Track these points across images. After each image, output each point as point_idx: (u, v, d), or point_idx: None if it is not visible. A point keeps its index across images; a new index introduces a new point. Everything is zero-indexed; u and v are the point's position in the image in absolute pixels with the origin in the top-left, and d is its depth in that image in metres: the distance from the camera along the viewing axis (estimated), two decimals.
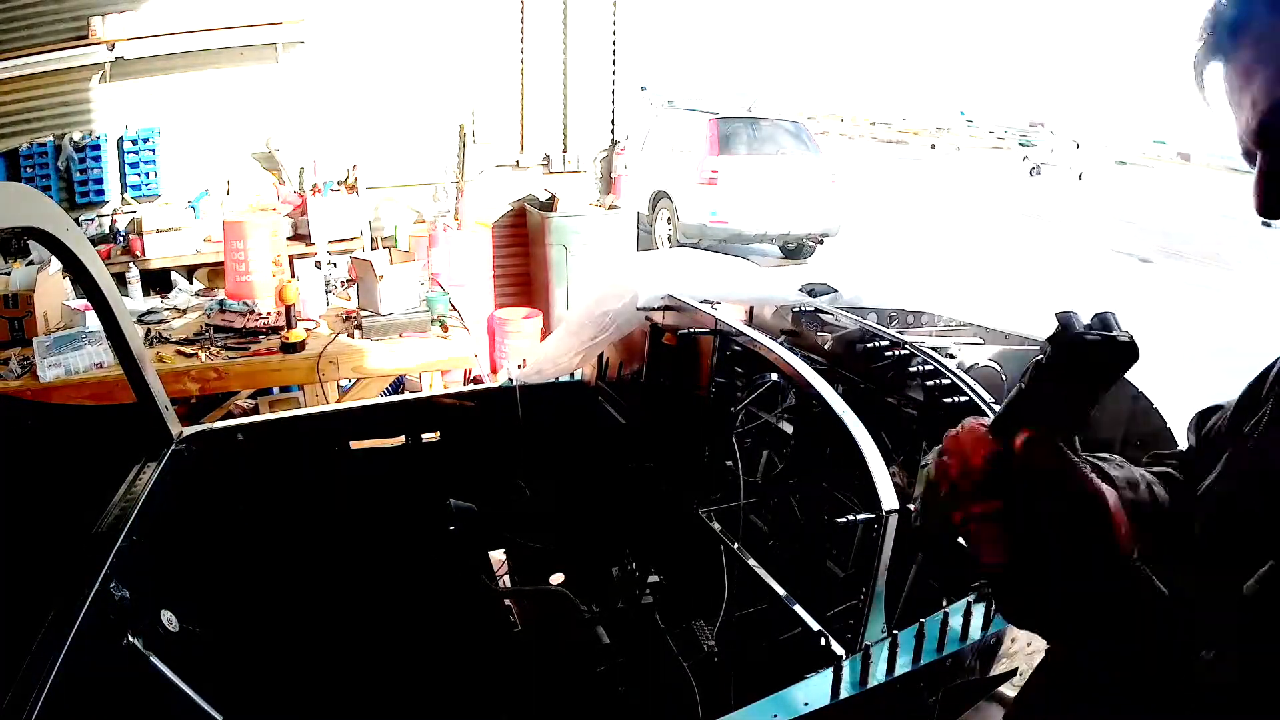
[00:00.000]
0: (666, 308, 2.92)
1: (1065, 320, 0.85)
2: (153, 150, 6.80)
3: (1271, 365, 1.13)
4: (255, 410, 5.26)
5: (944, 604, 1.91)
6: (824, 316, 2.92)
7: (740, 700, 1.67)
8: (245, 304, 4.96)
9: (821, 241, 13.09)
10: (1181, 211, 19.99)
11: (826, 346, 2.81)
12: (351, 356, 4.62)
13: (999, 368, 2.77)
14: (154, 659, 2.00)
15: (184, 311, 5.09)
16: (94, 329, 4.29)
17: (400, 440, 3.30)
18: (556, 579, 3.42)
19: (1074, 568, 0.95)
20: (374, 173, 6.98)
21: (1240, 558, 0.91)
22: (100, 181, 6.71)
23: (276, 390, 5.49)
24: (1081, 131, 30.26)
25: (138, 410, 2.52)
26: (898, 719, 1.84)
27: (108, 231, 6.61)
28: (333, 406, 3.80)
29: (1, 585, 1.92)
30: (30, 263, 5.17)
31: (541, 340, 5.37)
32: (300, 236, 6.63)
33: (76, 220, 6.34)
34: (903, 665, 1.77)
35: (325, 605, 2.90)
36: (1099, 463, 1.13)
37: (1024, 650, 1.97)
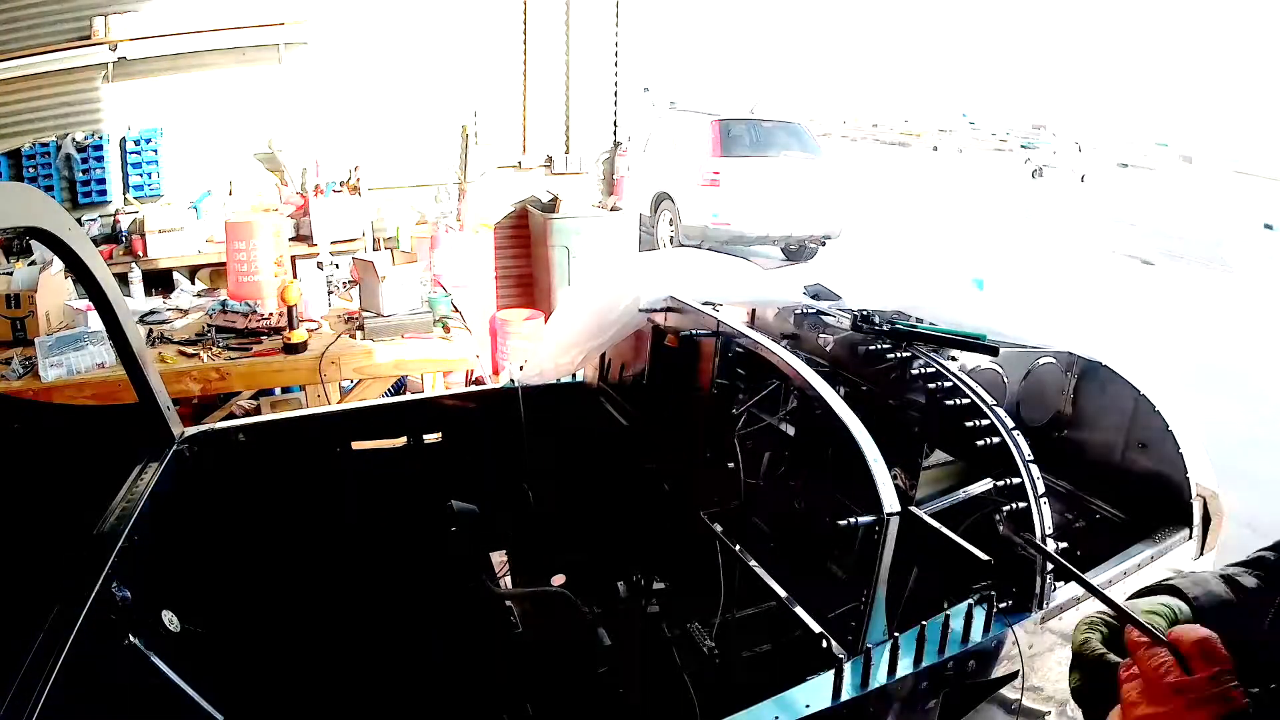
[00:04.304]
0: (669, 309, 2.92)
1: None
2: (155, 150, 6.83)
3: None
4: (257, 411, 5.26)
5: (945, 606, 1.91)
6: (826, 319, 2.92)
7: (742, 702, 1.67)
8: (247, 304, 4.96)
9: (824, 243, 13.09)
10: (1183, 214, 19.97)
11: (828, 349, 2.81)
12: (353, 357, 4.62)
13: (1001, 370, 2.76)
14: (155, 659, 2.00)
15: (186, 312, 5.09)
16: (96, 329, 4.29)
17: (402, 441, 3.30)
18: (558, 580, 3.42)
19: None
20: (376, 173, 7.00)
21: None
22: (103, 182, 6.73)
23: (278, 391, 5.49)
24: (1083, 134, 30.27)
25: (140, 410, 2.52)
26: None
27: (110, 231, 6.62)
28: (334, 407, 3.80)
29: (3, 585, 1.92)
30: (32, 263, 5.17)
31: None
32: (302, 237, 6.65)
33: (79, 220, 6.36)
34: (904, 668, 1.77)
35: (326, 605, 2.90)
36: None
37: (1026, 653, 1.97)
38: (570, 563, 3.45)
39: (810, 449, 2.41)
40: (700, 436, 2.73)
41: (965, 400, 2.35)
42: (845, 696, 1.71)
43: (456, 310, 5.09)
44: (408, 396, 4.40)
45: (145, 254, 6.34)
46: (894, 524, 1.85)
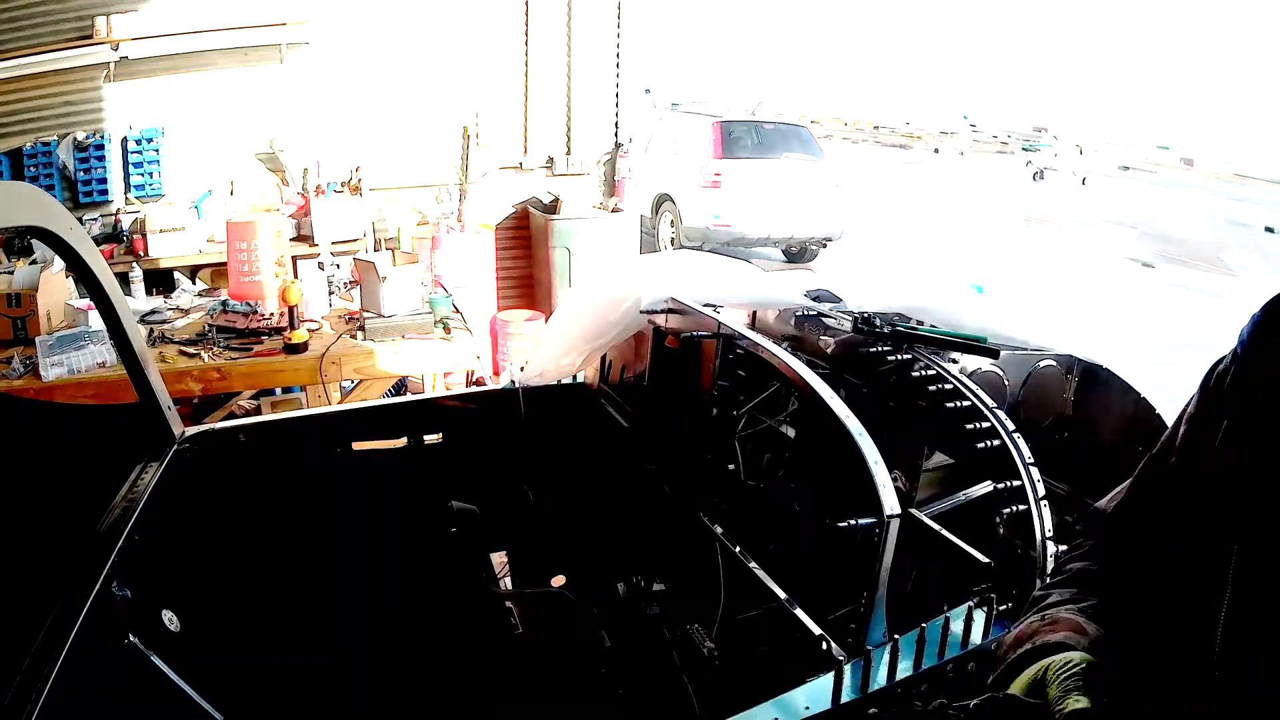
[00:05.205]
0: (669, 311, 2.92)
1: None
2: (156, 150, 6.83)
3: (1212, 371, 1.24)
4: (257, 411, 5.26)
5: (945, 609, 1.91)
6: (826, 320, 2.91)
7: (741, 704, 1.67)
8: (248, 304, 4.97)
9: (825, 245, 13.08)
10: (1184, 217, 19.97)
11: (829, 350, 2.81)
12: (354, 358, 4.63)
13: (1001, 372, 2.76)
14: (155, 658, 2.00)
15: (187, 311, 5.09)
16: (97, 328, 4.30)
17: (402, 442, 3.29)
18: (558, 581, 3.42)
19: None
20: (377, 174, 7.00)
21: None
22: (104, 181, 6.73)
23: (279, 391, 5.50)
24: (1085, 136, 30.26)
25: (140, 410, 2.52)
26: None
27: (111, 231, 6.63)
28: (335, 407, 3.80)
29: (3, 584, 1.92)
30: (34, 262, 5.18)
31: None
32: (303, 237, 6.66)
33: (80, 220, 6.35)
34: (904, 670, 1.77)
35: (327, 606, 2.90)
36: None
37: None
38: (570, 564, 3.45)
39: (810, 451, 2.41)
40: (701, 438, 2.73)
41: (966, 403, 2.35)
42: (845, 699, 1.71)
43: (457, 311, 5.09)
44: (408, 397, 4.40)
45: (146, 253, 6.34)
46: (894, 526, 1.85)
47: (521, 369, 3.50)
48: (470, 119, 7.35)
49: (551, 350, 3.33)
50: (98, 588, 1.89)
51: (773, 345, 2.51)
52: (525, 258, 7.94)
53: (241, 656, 2.57)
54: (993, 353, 2.53)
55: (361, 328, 4.76)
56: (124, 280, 5.30)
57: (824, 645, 1.90)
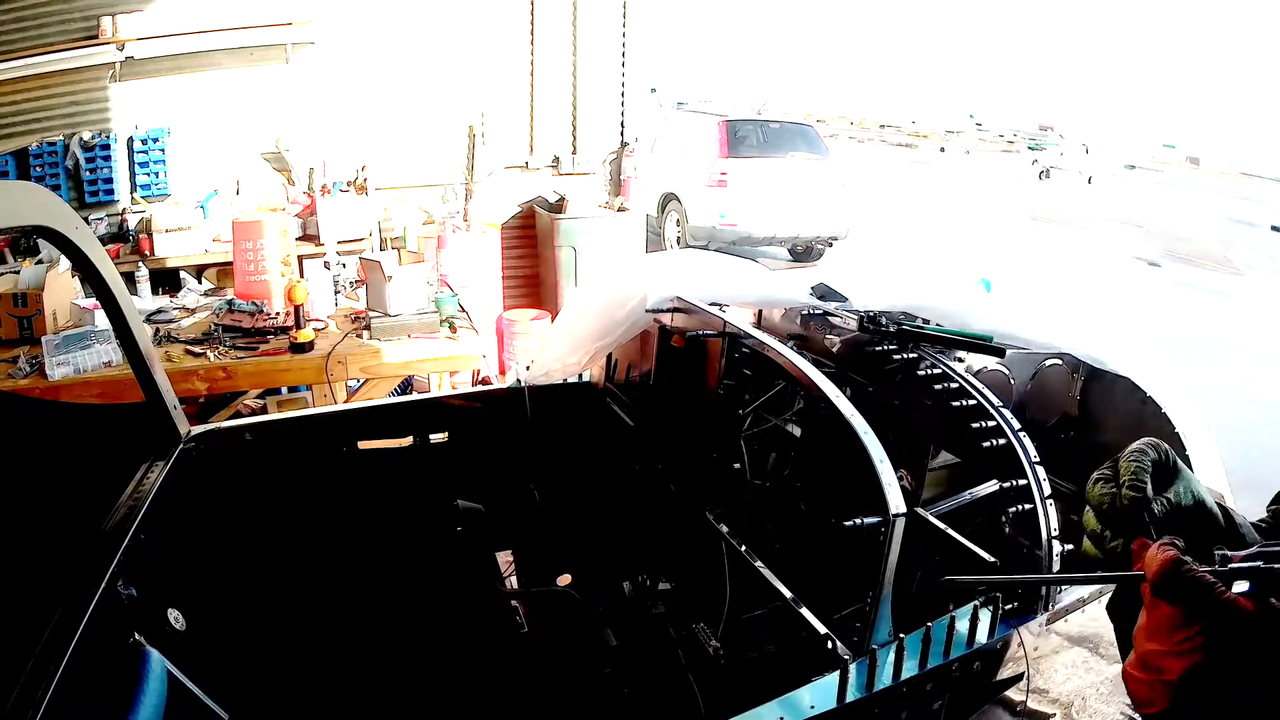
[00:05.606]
0: (675, 310, 2.92)
1: None
2: (162, 150, 6.84)
3: None
4: (263, 410, 5.27)
5: (951, 608, 1.91)
6: (832, 319, 2.91)
7: (747, 703, 1.67)
8: (254, 304, 4.97)
9: (830, 244, 13.06)
10: (1191, 215, 19.92)
11: (835, 350, 2.80)
12: (360, 357, 4.63)
13: (1007, 371, 2.76)
14: (160, 657, 2.00)
15: (193, 311, 5.10)
16: (103, 328, 4.31)
17: (408, 441, 3.30)
18: (563, 580, 3.42)
19: None
20: (383, 173, 7.01)
21: None
22: (110, 181, 6.75)
23: (285, 390, 5.50)
24: (1091, 135, 30.17)
25: (146, 409, 2.53)
26: None
27: (117, 230, 6.64)
28: (341, 407, 3.80)
29: (10, 582, 1.93)
30: (40, 261, 5.19)
31: None
32: (309, 237, 6.66)
33: (86, 219, 6.37)
34: (909, 669, 1.77)
35: (332, 605, 2.90)
36: None
37: (1031, 655, 1.97)
38: (576, 563, 3.45)
39: (816, 450, 2.41)
40: (706, 437, 2.73)
41: (971, 402, 2.35)
42: (850, 698, 1.71)
43: (463, 310, 5.09)
44: (414, 396, 4.41)
45: (152, 253, 6.36)
46: (900, 525, 1.85)
47: (527, 368, 3.50)
48: (476, 118, 7.35)
49: (557, 349, 3.32)
50: (103, 586, 1.89)
51: (778, 344, 2.51)
52: (531, 257, 7.93)
53: (247, 655, 2.57)
54: (998, 351, 2.52)
55: (367, 327, 4.77)
56: (130, 280, 5.31)
57: (829, 644, 1.90)
